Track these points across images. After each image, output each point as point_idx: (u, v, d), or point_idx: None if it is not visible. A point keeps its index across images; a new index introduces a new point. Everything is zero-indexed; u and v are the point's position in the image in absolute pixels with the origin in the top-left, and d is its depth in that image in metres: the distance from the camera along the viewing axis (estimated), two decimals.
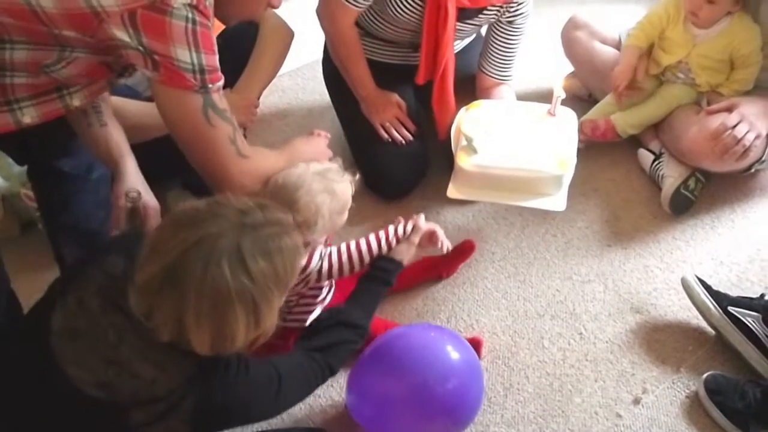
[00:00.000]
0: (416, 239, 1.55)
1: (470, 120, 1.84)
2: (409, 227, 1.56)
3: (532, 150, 1.74)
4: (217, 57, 1.22)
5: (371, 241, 1.52)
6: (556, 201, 1.74)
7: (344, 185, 1.48)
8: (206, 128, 1.24)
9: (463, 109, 1.90)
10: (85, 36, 1.14)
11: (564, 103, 1.85)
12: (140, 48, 1.13)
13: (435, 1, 1.86)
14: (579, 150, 1.83)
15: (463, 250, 1.89)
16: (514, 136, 1.79)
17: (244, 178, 1.34)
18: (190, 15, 1.14)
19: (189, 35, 1.15)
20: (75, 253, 1.56)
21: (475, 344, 1.65)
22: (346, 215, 1.52)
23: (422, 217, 1.60)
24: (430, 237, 1.60)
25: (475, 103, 1.92)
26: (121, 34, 1.11)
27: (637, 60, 2.08)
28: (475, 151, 1.73)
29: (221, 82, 1.25)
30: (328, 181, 1.44)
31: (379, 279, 1.48)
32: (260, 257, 1.02)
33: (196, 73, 1.18)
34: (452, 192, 1.77)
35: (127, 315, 1.07)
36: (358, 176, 1.52)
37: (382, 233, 1.53)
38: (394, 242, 1.53)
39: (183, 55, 1.15)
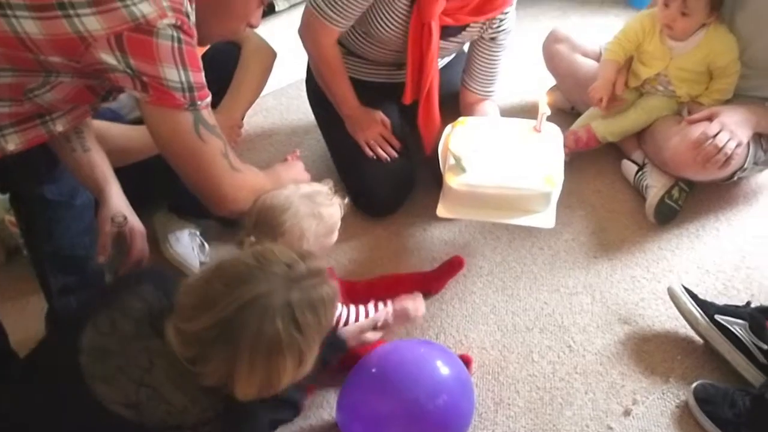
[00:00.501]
0: (378, 335, 1.57)
1: (457, 138, 1.84)
2: (382, 317, 1.57)
3: (519, 168, 1.74)
4: (203, 74, 1.23)
5: (350, 325, 1.54)
6: (545, 218, 1.74)
7: (332, 209, 1.49)
8: (198, 144, 1.25)
9: (449, 127, 1.91)
10: (71, 61, 1.14)
11: (548, 117, 1.85)
12: (128, 70, 1.14)
13: (418, 21, 1.87)
14: (565, 163, 1.84)
15: (451, 266, 1.90)
16: (501, 154, 1.79)
17: (238, 192, 1.36)
18: (175, 34, 1.15)
19: (176, 54, 1.16)
20: (61, 280, 1.55)
21: (465, 362, 1.64)
22: (335, 237, 1.53)
23: (408, 308, 1.60)
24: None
25: (461, 120, 1.92)
26: (109, 58, 1.12)
27: (614, 74, 2.10)
28: (463, 170, 1.73)
29: (209, 99, 1.26)
30: (315, 205, 1.45)
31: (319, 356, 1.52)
32: (308, 311, 1.10)
33: (185, 91, 1.19)
34: (441, 211, 1.77)
35: (164, 343, 1.11)
36: (347, 200, 1.54)
37: (362, 318, 1.55)
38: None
39: (171, 74, 1.16)
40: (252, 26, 1.43)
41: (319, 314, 1.12)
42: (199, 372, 1.09)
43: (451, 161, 1.76)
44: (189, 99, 1.20)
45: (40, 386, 1.16)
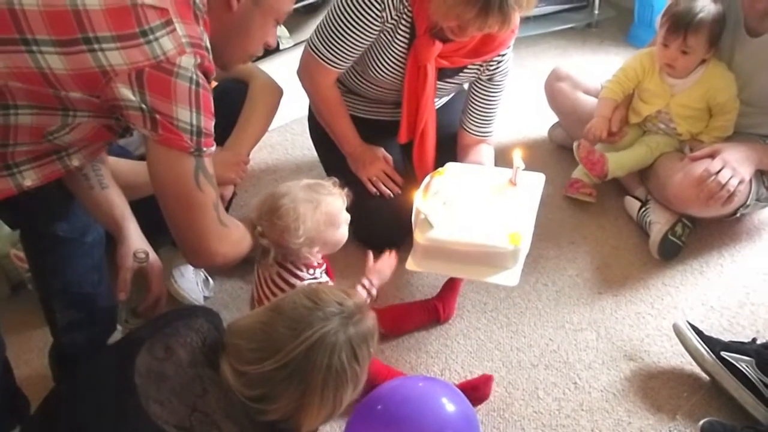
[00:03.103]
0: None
1: (430, 191, 1.81)
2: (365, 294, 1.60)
3: (487, 223, 1.70)
4: (213, 123, 1.24)
5: None
6: (510, 276, 1.68)
7: (332, 198, 1.56)
8: (195, 192, 1.25)
9: (428, 177, 1.88)
10: (91, 97, 1.15)
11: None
12: (142, 106, 1.15)
13: (415, 63, 1.89)
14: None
15: (452, 284, 1.90)
16: (472, 209, 1.76)
17: (220, 245, 1.34)
18: (194, 77, 1.16)
19: (191, 96, 1.17)
20: (68, 317, 1.54)
21: (484, 381, 1.66)
22: (341, 231, 1.61)
23: (383, 269, 1.68)
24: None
25: (440, 170, 1.90)
26: (127, 93, 1.13)
27: (611, 112, 2.13)
28: (431, 225, 1.71)
29: (213, 149, 1.27)
30: (314, 193, 1.54)
31: None
32: (363, 345, 1.20)
33: (193, 134, 1.20)
34: (411, 265, 1.73)
35: (217, 374, 1.16)
36: (346, 190, 1.60)
37: None
38: None
39: (183, 115, 1.17)
40: (269, 46, 1.45)
41: (370, 346, 1.22)
42: (263, 409, 1.14)
43: (421, 215, 1.73)
44: (195, 143, 1.21)
45: (94, 399, 1.16)
